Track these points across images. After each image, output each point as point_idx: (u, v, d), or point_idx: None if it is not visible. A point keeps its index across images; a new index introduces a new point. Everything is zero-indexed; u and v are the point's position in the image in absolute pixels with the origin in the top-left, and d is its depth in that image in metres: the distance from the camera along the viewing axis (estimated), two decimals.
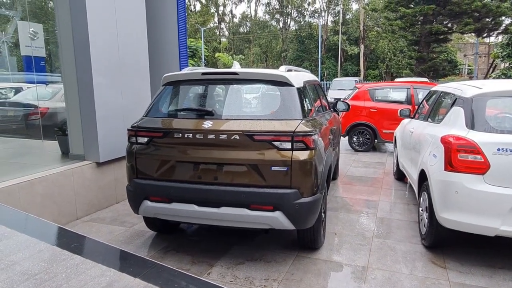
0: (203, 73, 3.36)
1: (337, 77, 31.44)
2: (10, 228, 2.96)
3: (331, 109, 5.40)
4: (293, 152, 3.00)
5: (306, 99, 3.56)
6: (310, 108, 3.64)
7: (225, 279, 3.12)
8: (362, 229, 4.15)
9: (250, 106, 3.29)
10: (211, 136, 3.07)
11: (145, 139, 3.30)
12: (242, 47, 53.31)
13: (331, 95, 17.40)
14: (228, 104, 3.36)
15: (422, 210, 3.84)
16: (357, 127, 8.69)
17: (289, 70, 3.65)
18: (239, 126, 3.05)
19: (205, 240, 3.86)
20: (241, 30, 57.46)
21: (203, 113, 3.21)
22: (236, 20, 58.50)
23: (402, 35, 29.62)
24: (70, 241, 2.91)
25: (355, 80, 19.46)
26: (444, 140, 3.34)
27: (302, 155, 3.00)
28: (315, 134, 3.11)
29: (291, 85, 3.25)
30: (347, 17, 43.22)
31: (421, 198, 3.89)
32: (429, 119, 4.50)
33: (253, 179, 3.05)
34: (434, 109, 4.53)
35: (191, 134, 3.12)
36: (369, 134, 8.58)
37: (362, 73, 37.82)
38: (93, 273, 2.32)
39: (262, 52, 49.80)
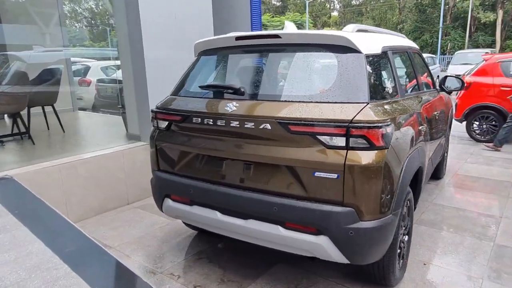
0: (237, 38, 2.50)
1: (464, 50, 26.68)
2: (16, 219, 2.67)
3: (437, 87, 4.02)
4: (349, 151, 1.97)
5: (385, 73, 2.43)
6: (390, 85, 2.50)
7: None
8: (467, 261, 2.88)
9: (293, 82, 2.32)
10: (235, 124, 2.23)
11: (165, 124, 2.64)
12: (354, 21, 49.72)
13: (451, 70, 14.63)
14: (265, 80, 2.45)
15: None
16: (480, 111, 6.76)
17: (362, 30, 2.54)
18: (271, 111, 2.14)
19: (246, 250, 3.10)
20: (353, 2, 53.66)
21: (230, 92, 2.38)
22: None
23: None
24: (69, 244, 2.47)
25: (485, 52, 15.98)
26: None
27: (363, 157, 1.96)
28: (387, 125, 2.02)
29: (357, 51, 2.17)
30: None
31: None
32: None
33: (290, 187, 2.13)
34: None
35: (211, 120, 2.33)
36: (496, 119, 6.60)
37: (498, 45, 31.61)
38: None
39: (375, 25, 45.70)
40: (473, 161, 5.62)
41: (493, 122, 6.66)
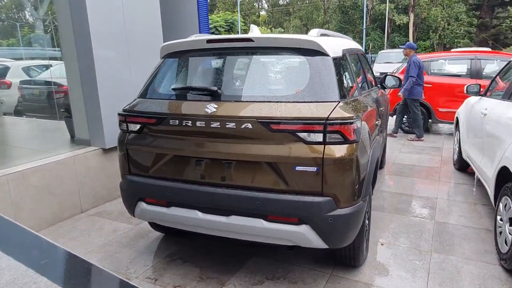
0: (209, 41, 2.56)
1: (383, 49, 29.07)
2: None
3: (378, 85, 4.43)
4: (326, 146, 2.17)
5: (346, 74, 2.67)
6: (351, 85, 2.75)
7: None
8: (416, 239, 3.27)
9: (268, 84, 2.47)
10: (215, 124, 2.30)
11: (137, 127, 2.61)
12: (282, 20, 51.33)
13: (377, 69, 15.89)
14: (240, 82, 2.56)
15: (501, 220, 2.89)
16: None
17: (324, 35, 2.76)
18: (252, 112, 2.26)
19: (219, 248, 3.18)
20: (280, 2, 55.30)
21: (206, 94, 2.44)
22: None
23: None
24: (42, 255, 2.35)
25: None
26: None
27: (339, 150, 2.17)
28: (357, 120, 2.25)
29: (325, 54, 2.38)
30: None
31: (501, 204, 2.93)
32: None
33: (272, 181, 2.27)
34: None
35: (190, 121, 2.37)
36: (422, 113, 7.40)
37: None
38: None
39: (302, 25, 47.61)
40: (405, 151, 6.26)
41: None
